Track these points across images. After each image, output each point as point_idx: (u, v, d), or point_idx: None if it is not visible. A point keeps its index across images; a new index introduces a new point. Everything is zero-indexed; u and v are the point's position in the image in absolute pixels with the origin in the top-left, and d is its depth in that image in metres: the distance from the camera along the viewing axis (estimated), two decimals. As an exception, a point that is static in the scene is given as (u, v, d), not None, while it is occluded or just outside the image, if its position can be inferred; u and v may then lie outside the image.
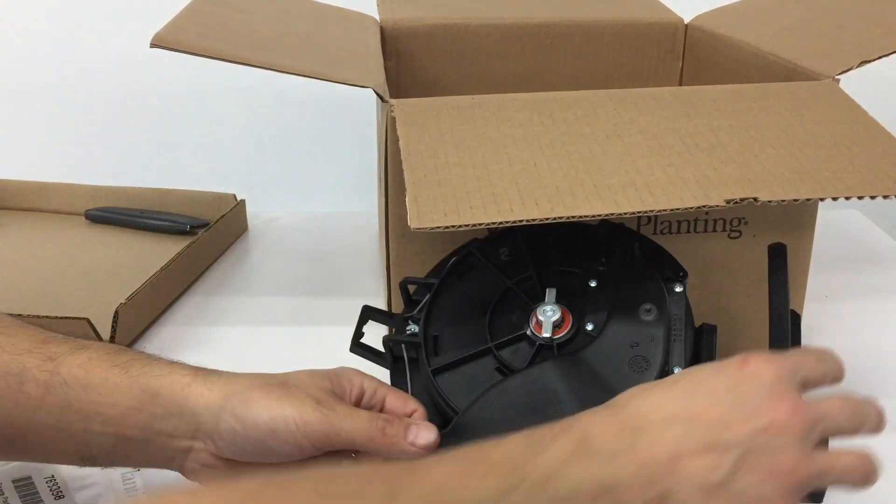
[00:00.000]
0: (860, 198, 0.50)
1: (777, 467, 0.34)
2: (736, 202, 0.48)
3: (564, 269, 0.55)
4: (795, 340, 0.52)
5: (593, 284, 0.53)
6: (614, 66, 0.83)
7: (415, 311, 0.56)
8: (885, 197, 0.49)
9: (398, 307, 0.59)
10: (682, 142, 0.54)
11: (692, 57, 0.83)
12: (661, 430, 0.34)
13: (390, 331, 0.59)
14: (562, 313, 0.52)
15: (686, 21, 0.82)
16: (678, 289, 0.52)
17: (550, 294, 0.53)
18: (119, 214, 0.93)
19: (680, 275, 0.54)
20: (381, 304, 0.70)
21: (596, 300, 0.53)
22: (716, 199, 0.48)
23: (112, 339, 0.69)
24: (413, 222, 0.48)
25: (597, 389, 0.48)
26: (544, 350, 0.52)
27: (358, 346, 0.59)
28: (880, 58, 0.61)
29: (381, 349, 0.57)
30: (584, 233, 0.58)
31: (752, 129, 0.55)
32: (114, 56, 1.13)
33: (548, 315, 0.52)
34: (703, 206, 0.48)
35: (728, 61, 0.74)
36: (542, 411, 0.47)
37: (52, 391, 0.43)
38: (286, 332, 0.74)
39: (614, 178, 0.50)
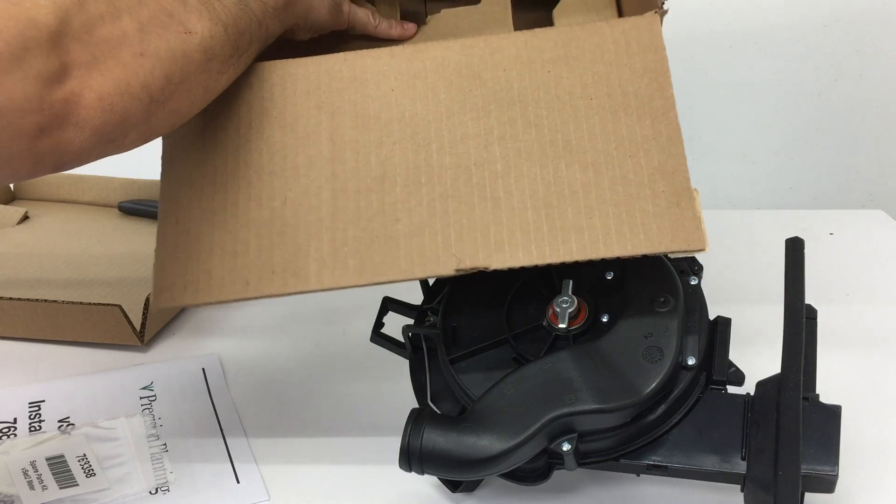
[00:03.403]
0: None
1: None
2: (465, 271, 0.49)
3: (581, 261, 0.56)
4: (810, 335, 0.53)
5: (609, 276, 0.54)
6: None
7: (434, 303, 0.57)
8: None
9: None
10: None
11: None
12: None
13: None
14: (578, 305, 0.53)
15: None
16: (693, 281, 0.53)
17: (567, 286, 0.53)
18: (151, 207, 0.95)
19: (695, 268, 0.54)
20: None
21: (612, 292, 0.53)
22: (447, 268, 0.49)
23: (143, 326, 0.71)
24: (155, 302, 0.50)
25: (611, 378, 0.49)
26: (560, 341, 0.53)
27: (378, 336, 0.60)
28: None
29: (401, 339, 0.58)
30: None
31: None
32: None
33: (564, 306, 0.53)
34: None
35: None
36: (557, 399, 0.48)
37: None
38: (311, 319, 0.76)
39: (375, 226, 0.51)
